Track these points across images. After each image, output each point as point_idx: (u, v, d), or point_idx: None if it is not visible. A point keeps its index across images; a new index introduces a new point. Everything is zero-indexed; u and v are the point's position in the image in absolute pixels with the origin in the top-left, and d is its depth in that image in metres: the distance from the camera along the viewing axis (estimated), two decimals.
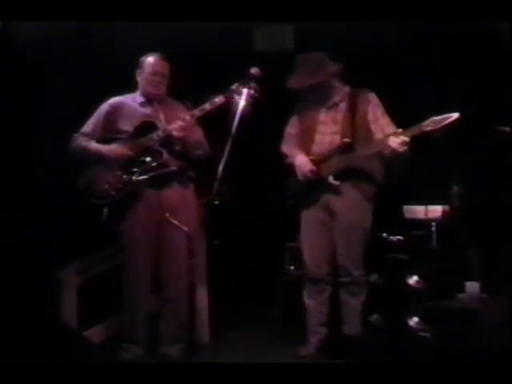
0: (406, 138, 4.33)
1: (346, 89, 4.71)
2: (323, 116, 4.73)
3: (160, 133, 4.54)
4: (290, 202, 4.82)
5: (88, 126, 4.67)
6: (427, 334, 4.69)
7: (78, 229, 5.10)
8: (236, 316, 5.63)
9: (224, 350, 4.70)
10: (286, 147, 4.84)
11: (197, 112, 4.53)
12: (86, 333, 4.79)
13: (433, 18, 4.04)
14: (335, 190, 4.63)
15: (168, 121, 4.59)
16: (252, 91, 4.20)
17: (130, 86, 4.74)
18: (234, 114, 4.14)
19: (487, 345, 4.10)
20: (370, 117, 4.65)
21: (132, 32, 5.07)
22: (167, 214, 4.44)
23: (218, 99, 4.43)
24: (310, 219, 4.74)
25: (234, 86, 4.30)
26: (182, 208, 4.57)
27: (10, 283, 4.33)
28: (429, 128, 4.25)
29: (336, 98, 4.71)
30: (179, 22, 4.37)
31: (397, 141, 4.34)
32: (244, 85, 4.21)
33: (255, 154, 5.32)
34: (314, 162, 4.66)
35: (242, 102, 4.14)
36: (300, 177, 4.68)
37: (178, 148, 4.58)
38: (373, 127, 4.64)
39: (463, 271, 4.90)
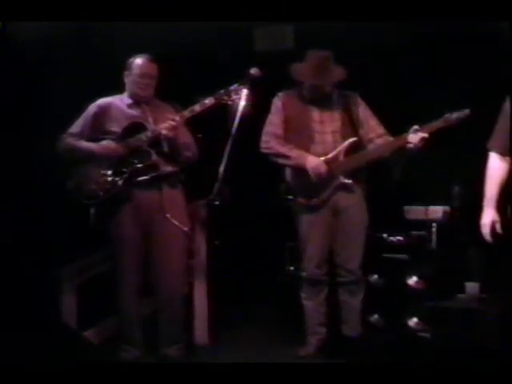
0: (425, 135, 4.41)
1: (336, 90, 4.72)
2: (317, 115, 4.71)
3: (149, 133, 4.51)
4: (290, 203, 4.81)
5: (76, 127, 4.65)
6: (427, 335, 4.69)
7: (78, 229, 5.09)
8: (236, 316, 5.63)
9: (224, 350, 4.71)
10: (284, 148, 4.71)
11: (186, 113, 4.49)
12: (85, 333, 4.79)
13: (433, 17, 4.03)
14: (347, 189, 4.64)
15: (156, 122, 4.56)
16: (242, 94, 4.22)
17: None
18: (234, 114, 4.14)
19: (487, 345, 4.10)
20: (362, 117, 4.69)
21: (132, 32, 5.06)
22: (168, 215, 4.44)
23: (208, 101, 4.40)
24: (313, 220, 4.70)
25: (233, 87, 4.30)
26: (171, 209, 4.55)
27: (10, 283, 4.33)
28: (446, 124, 4.38)
29: (330, 98, 4.71)
30: (179, 22, 4.37)
31: (416, 137, 4.41)
32: (244, 85, 4.21)
33: (255, 154, 5.30)
34: (324, 162, 4.65)
35: (241, 103, 4.14)
36: (314, 178, 4.62)
37: (166, 149, 4.57)
38: (365, 127, 4.68)
39: (463, 272, 4.91)
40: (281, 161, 4.73)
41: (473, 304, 4.58)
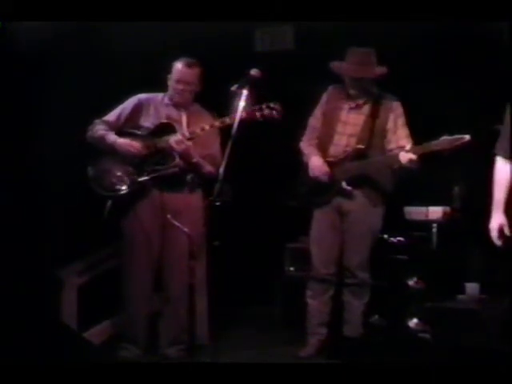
0: (414, 156, 4.36)
1: (374, 92, 4.69)
2: (345, 115, 4.71)
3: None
4: (293, 203, 4.81)
5: (112, 116, 4.66)
6: (427, 335, 4.69)
7: (79, 228, 5.10)
8: (236, 316, 5.63)
9: (224, 350, 4.70)
10: (303, 144, 4.78)
11: (217, 124, 4.47)
12: (86, 333, 4.78)
13: (433, 18, 4.03)
14: (347, 195, 4.64)
15: (190, 127, 4.57)
16: (274, 112, 4.23)
17: (129, 86, 4.74)
18: (234, 115, 4.13)
19: (487, 345, 4.10)
20: (390, 125, 4.65)
21: (132, 32, 5.06)
22: (169, 216, 4.43)
23: (240, 114, 4.30)
24: (321, 220, 4.73)
25: (233, 88, 4.29)
26: (187, 211, 4.55)
27: (10, 283, 4.33)
28: (439, 148, 4.29)
29: (361, 100, 4.69)
30: (179, 22, 4.36)
31: (406, 157, 4.38)
32: (243, 86, 4.19)
33: (255, 155, 5.31)
34: (329, 163, 4.65)
35: (241, 103, 4.13)
36: (312, 178, 4.65)
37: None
38: (389, 136, 4.64)
39: (463, 272, 4.90)
40: (301, 156, 4.79)
41: (473, 305, 4.58)
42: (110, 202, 4.59)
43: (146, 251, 4.60)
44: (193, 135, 4.51)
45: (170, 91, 4.66)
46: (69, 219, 5.16)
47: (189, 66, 4.58)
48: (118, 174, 4.54)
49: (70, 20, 4.20)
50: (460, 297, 4.75)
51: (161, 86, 4.71)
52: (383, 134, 4.64)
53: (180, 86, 4.60)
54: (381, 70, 4.60)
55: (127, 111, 4.66)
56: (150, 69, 5.17)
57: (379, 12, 3.98)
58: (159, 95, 4.73)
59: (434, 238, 5.05)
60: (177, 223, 4.38)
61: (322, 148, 4.71)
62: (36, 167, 5.04)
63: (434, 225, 5.07)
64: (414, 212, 5.21)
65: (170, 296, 4.67)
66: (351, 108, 4.70)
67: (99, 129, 4.61)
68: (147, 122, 4.63)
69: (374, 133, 4.63)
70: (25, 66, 4.94)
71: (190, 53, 4.69)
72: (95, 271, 5.06)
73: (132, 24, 4.59)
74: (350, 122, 4.69)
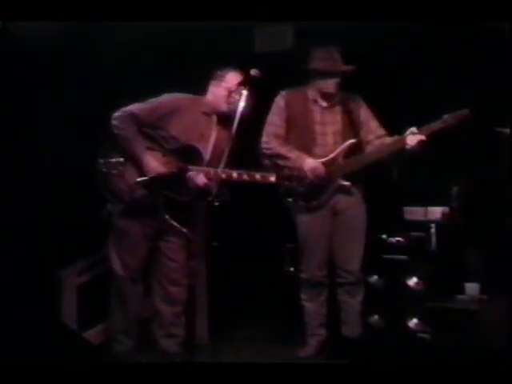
0: (423, 137, 4.41)
1: (339, 92, 4.70)
2: (319, 116, 4.70)
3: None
4: (289, 205, 4.79)
5: (143, 111, 4.43)
6: (427, 335, 4.70)
7: (79, 228, 5.10)
8: (236, 316, 5.63)
9: (224, 350, 4.71)
10: (283, 149, 4.67)
11: (245, 177, 4.29)
12: (85, 333, 4.79)
13: (433, 18, 4.04)
14: (346, 191, 4.64)
15: (217, 141, 4.48)
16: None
17: (129, 85, 4.74)
18: (234, 115, 4.13)
19: (487, 346, 4.10)
20: (363, 119, 4.69)
21: (131, 32, 5.07)
22: (167, 216, 4.43)
23: (272, 178, 4.28)
24: (313, 222, 4.70)
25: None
26: (186, 211, 4.55)
27: (10, 283, 4.33)
28: (447, 124, 4.38)
29: (334, 99, 4.70)
30: (179, 23, 4.37)
31: (414, 139, 4.41)
32: (244, 86, 4.19)
33: (255, 155, 5.30)
34: (322, 164, 4.64)
35: (241, 103, 4.13)
36: (313, 180, 4.60)
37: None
38: (365, 129, 4.68)
39: (463, 272, 4.91)
40: (280, 162, 4.66)
41: (473, 305, 4.58)
42: (109, 206, 4.55)
43: (142, 249, 4.58)
44: (216, 175, 4.31)
45: (216, 101, 4.53)
46: (69, 219, 5.16)
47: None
48: (129, 182, 4.40)
49: (70, 20, 4.21)
50: (460, 297, 4.75)
51: (159, 84, 4.69)
52: (360, 126, 4.68)
53: (232, 97, 4.47)
54: (348, 66, 4.60)
55: (161, 112, 4.44)
56: (150, 68, 5.18)
57: (379, 12, 3.99)
58: (197, 100, 4.57)
59: (433, 238, 5.05)
60: (175, 223, 4.38)
61: (305, 150, 4.64)
62: (36, 167, 5.05)
63: (433, 225, 5.07)
64: (413, 212, 5.21)
65: (169, 296, 4.66)
66: (324, 108, 4.70)
67: (131, 126, 4.39)
68: (175, 129, 4.44)
69: (354, 127, 4.66)
70: (25, 66, 4.94)
71: (190, 52, 4.69)
72: (95, 271, 5.06)
73: (132, 24, 4.59)
74: (328, 121, 4.69)
